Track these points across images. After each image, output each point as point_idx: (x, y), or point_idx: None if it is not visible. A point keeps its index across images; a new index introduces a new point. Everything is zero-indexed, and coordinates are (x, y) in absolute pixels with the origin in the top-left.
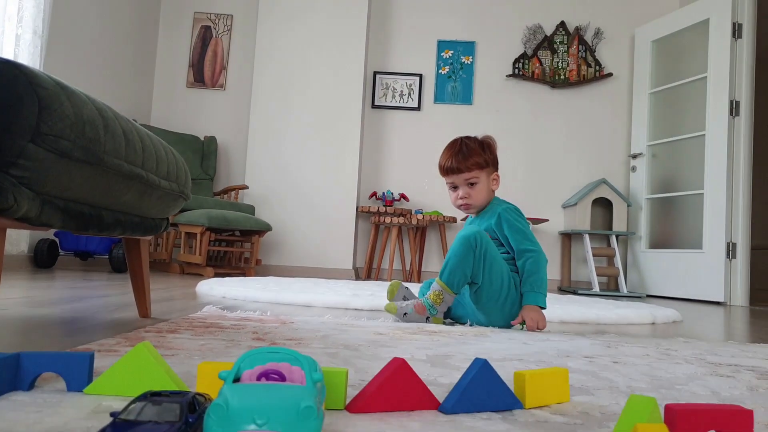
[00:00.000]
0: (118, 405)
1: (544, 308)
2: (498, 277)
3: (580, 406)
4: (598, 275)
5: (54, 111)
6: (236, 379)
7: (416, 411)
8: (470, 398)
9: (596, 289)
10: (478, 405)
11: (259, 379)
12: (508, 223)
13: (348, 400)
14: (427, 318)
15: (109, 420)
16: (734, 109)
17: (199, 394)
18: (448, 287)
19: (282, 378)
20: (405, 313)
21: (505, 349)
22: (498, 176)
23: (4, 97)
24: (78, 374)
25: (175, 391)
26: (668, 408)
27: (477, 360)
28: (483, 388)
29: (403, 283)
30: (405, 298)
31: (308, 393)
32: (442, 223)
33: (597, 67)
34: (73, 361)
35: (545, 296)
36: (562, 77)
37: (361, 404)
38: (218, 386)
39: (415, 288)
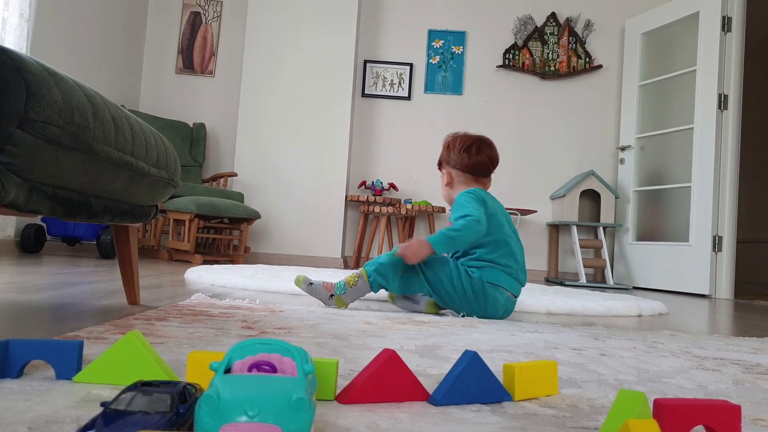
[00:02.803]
0: (108, 393)
1: (436, 253)
2: (447, 279)
3: (568, 398)
4: (585, 267)
5: (42, 97)
6: (227, 370)
7: (406, 402)
8: (460, 390)
9: (583, 280)
10: (468, 397)
11: (250, 370)
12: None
13: (338, 391)
14: (331, 296)
15: (99, 409)
16: (722, 102)
17: (190, 385)
18: (368, 278)
19: (273, 369)
20: (310, 283)
21: (493, 341)
22: (449, 173)
23: None
24: (67, 362)
25: (166, 381)
26: (657, 403)
27: (467, 352)
28: (473, 380)
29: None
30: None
31: (299, 385)
32: (431, 213)
33: (587, 59)
34: (62, 349)
35: (445, 247)
36: (552, 68)
37: (352, 395)
38: (209, 376)
39: None
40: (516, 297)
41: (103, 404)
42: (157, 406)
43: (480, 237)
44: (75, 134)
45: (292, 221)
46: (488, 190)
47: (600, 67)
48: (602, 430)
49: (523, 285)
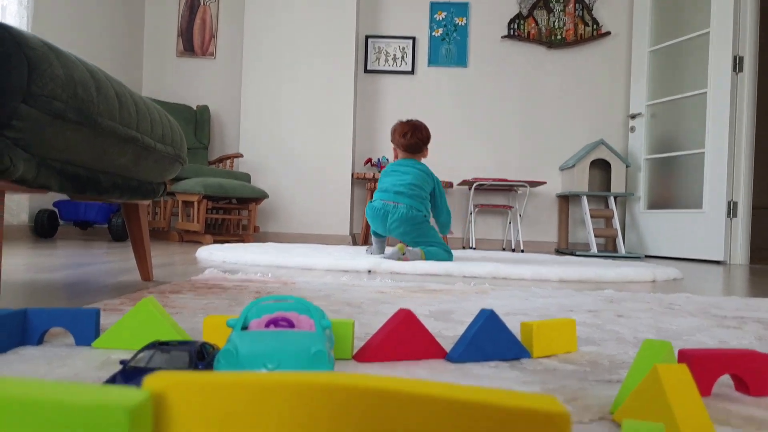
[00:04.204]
0: (127, 358)
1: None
2: None
3: (588, 355)
4: (596, 237)
5: (44, 71)
6: (244, 328)
7: (423, 360)
8: (478, 347)
9: (594, 250)
10: (486, 354)
11: (267, 326)
12: None
13: (355, 351)
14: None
15: (118, 369)
16: (737, 65)
17: (207, 344)
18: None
19: (291, 325)
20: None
21: (507, 305)
22: (394, 149)
23: None
24: (85, 329)
25: (183, 341)
26: (682, 353)
27: (484, 310)
28: (490, 338)
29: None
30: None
31: (318, 338)
32: None
33: (594, 26)
34: (80, 317)
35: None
36: (559, 37)
37: (369, 353)
38: (225, 339)
39: None
40: (382, 201)
41: (122, 362)
42: (176, 363)
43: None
44: (79, 108)
45: (299, 200)
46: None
47: (608, 33)
48: (628, 378)
49: (386, 196)
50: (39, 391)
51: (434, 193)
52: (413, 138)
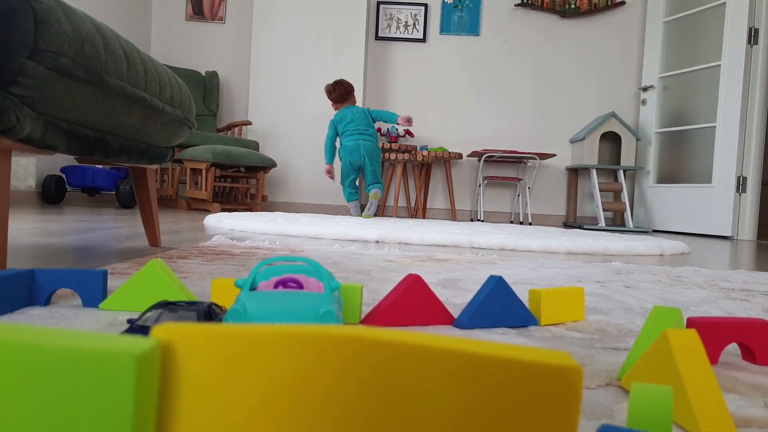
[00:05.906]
0: (134, 318)
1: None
2: None
3: (596, 324)
4: (604, 210)
5: (51, 26)
6: (252, 289)
7: (431, 326)
8: (485, 314)
9: (602, 224)
10: (494, 320)
11: (276, 287)
12: None
13: (363, 316)
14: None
15: (126, 327)
16: (753, 37)
17: (215, 304)
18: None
19: (299, 286)
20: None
21: (515, 275)
22: (332, 103)
23: None
24: (93, 290)
25: (191, 301)
26: (690, 321)
27: (492, 277)
28: (498, 304)
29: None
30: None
31: (327, 299)
32: (447, 160)
33: None
34: (87, 278)
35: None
36: (573, 6)
37: (377, 318)
38: (233, 300)
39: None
40: (353, 142)
41: (129, 321)
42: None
43: (332, 138)
44: (87, 66)
45: (308, 169)
46: (354, 104)
47: (623, 3)
48: (636, 343)
49: (355, 136)
50: (45, 338)
51: (372, 116)
52: (337, 91)
